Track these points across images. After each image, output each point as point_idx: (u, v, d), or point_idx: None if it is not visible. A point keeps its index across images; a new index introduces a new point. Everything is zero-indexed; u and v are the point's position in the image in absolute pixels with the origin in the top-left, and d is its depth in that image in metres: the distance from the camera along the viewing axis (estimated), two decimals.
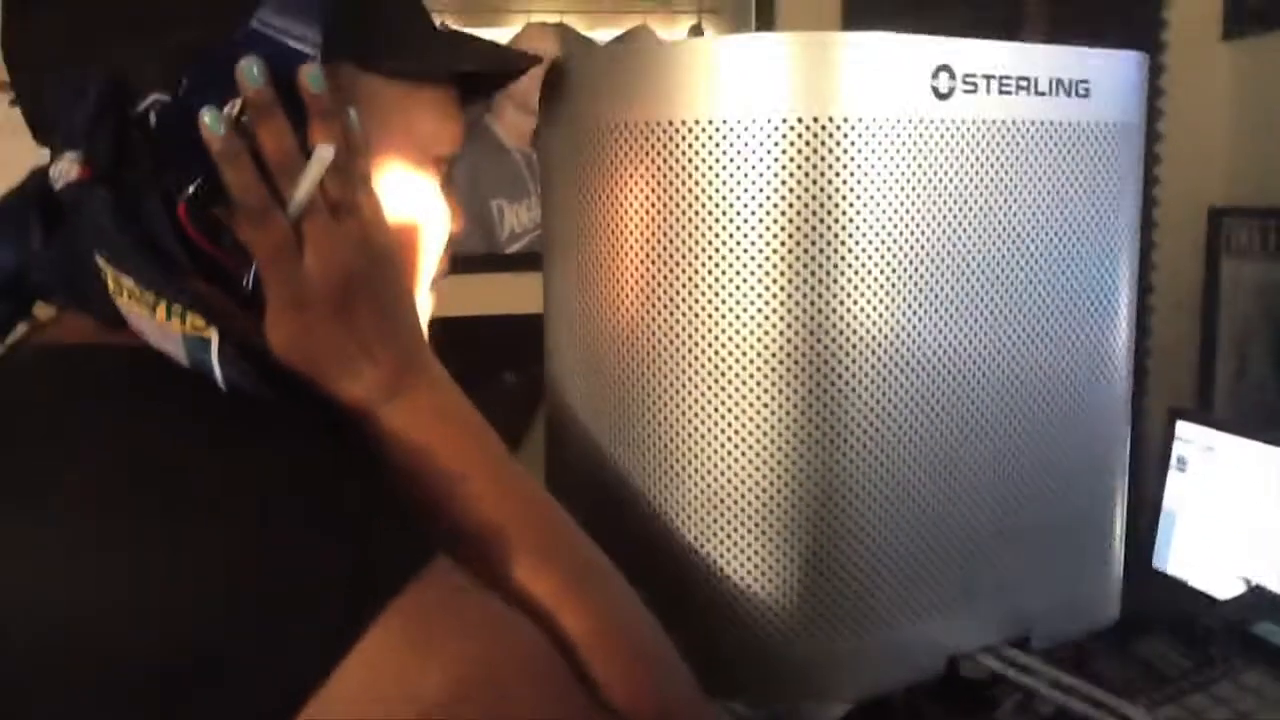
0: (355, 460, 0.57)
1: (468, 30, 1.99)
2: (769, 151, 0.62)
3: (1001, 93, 0.66)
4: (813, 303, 0.63)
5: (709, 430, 0.66)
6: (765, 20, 2.01)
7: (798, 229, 0.63)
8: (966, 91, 0.65)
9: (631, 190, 0.67)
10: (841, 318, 0.64)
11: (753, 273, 0.64)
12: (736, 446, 0.66)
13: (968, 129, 0.65)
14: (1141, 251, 2.20)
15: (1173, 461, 1.84)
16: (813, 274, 0.63)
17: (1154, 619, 1.48)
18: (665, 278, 0.66)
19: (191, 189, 0.55)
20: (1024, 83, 0.67)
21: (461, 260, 0.70)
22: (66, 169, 0.55)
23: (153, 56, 0.56)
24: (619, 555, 0.61)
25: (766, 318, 0.64)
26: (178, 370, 0.54)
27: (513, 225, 2.02)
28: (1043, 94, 0.68)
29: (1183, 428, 1.83)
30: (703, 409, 0.66)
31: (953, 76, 0.64)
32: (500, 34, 2.06)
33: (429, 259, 0.69)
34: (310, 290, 0.56)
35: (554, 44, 2.03)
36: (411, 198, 0.66)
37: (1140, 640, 1.43)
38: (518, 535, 0.59)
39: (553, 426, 0.78)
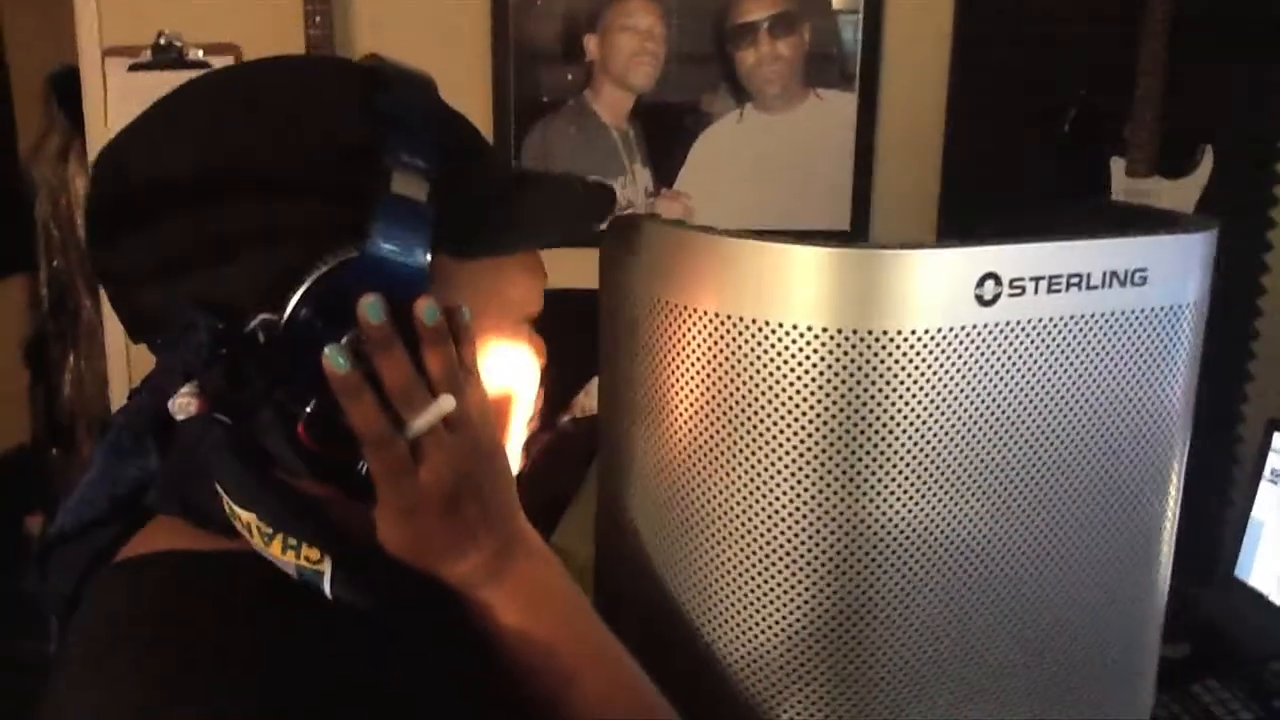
0: (462, 681, 0.61)
1: None
2: (808, 357, 0.64)
3: (1051, 291, 0.66)
4: (843, 499, 0.66)
5: (743, 593, 0.70)
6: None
7: (832, 430, 0.65)
8: (1013, 295, 0.65)
9: (679, 365, 0.69)
10: (871, 514, 0.66)
11: (786, 466, 0.66)
12: (770, 615, 0.69)
13: (1011, 330, 0.66)
14: (1256, 252, 2.11)
15: (1266, 472, 1.81)
16: (845, 473, 0.65)
17: (1221, 661, 1.49)
18: (709, 448, 0.69)
19: (309, 409, 0.58)
20: (1075, 279, 0.67)
21: None
22: (185, 404, 0.58)
23: (254, 276, 0.58)
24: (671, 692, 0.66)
25: (798, 508, 0.66)
26: (288, 583, 0.58)
27: None
28: (1095, 287, 0.67)
29: None
30: (738, 573, 0.69)
31: (999, 283, 0.65)
32: None
33: (525, 413, 0.72)
34: (423, 499, 0.59)
35: (656, 18, 2.01)
36: (509, 366, 0.69)
37: (1203, 681, 1.44)
38: None
39: (603, 542, 0.82)
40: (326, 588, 0.58)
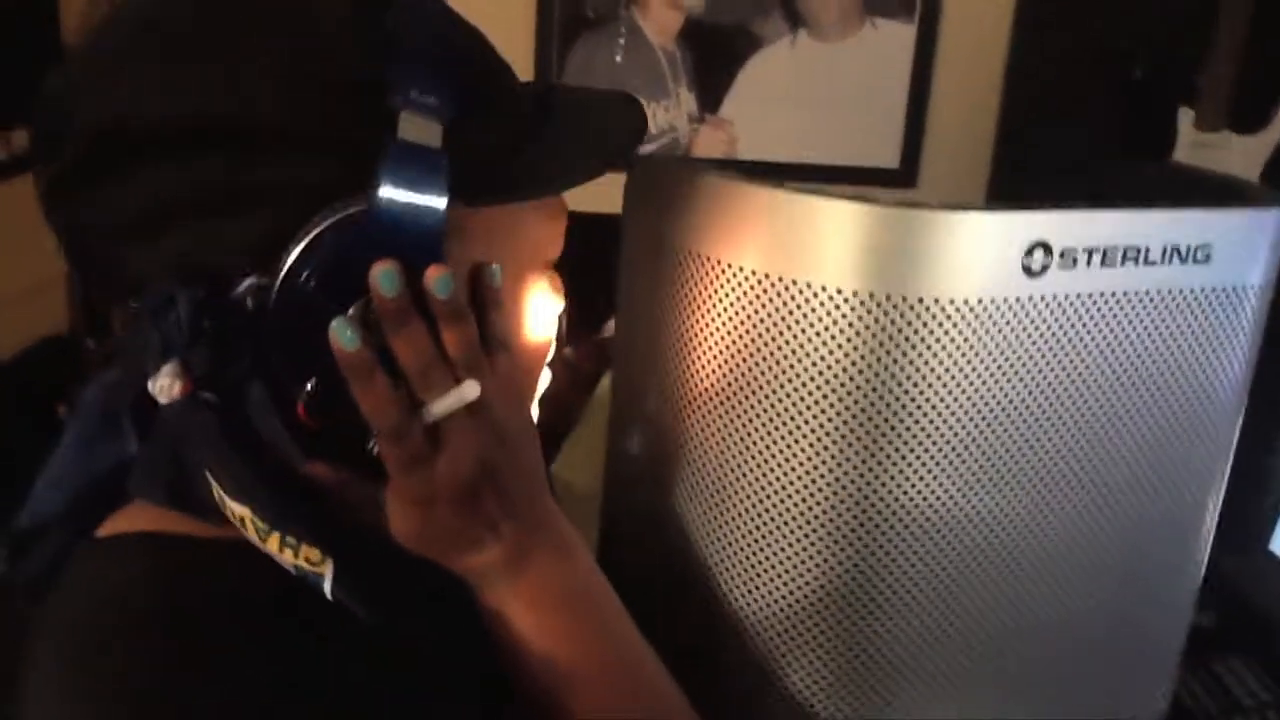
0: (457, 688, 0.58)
1: None
2: (835, 322, 0.60)
3: (1105, 265, 0.61)
4: (866, 470, 0.62)
5: (750, 554, 0.66)
6: None
7: (859, 399, 0.61)
8: (1063, 267, 0.60)
9: (701, 320, 0.65)
10: (892, 487, 0.62)
11: (808, 433, 0.62)
12: (775, 578, 0.66)
13: (1059, 304, 0.61)
14: None
15: None
16: (869, 444, 0.61)
17: (1243, 640, 1.45)
18: (728, 407, 0.65)
19: (310, 387, 0.51)
20: (1133, 253, 0.62)
21: None
22: (168, 385, 0.51)
23: (240, 234, 0.51)
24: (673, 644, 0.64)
25: (817, 475, 0.63)
26: (279, 574, 0.54)
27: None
28: (1153, 263, 0.62)
29: None
30: (746, 533, 0.66)
31: (1049, 253, 0.60)
32: None
33: (547, 358, 0.67)
34: (440, 489, 0.53)
35: None
36: (530, 315, 0.64)
37: (1223, 659, 1.40)
38: None
39: (609, 488, 0.79)
40: (327, 590, 0.53)
